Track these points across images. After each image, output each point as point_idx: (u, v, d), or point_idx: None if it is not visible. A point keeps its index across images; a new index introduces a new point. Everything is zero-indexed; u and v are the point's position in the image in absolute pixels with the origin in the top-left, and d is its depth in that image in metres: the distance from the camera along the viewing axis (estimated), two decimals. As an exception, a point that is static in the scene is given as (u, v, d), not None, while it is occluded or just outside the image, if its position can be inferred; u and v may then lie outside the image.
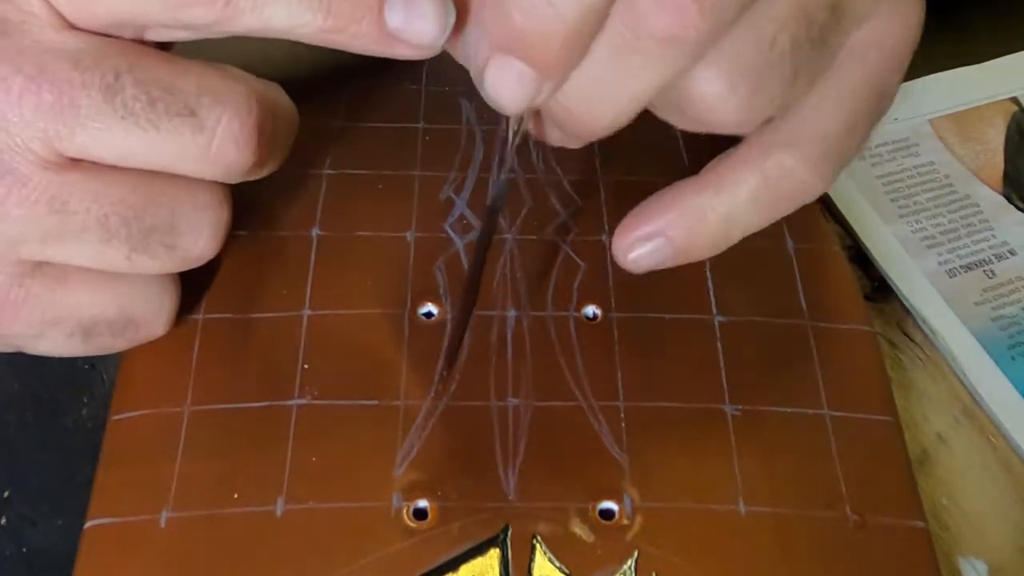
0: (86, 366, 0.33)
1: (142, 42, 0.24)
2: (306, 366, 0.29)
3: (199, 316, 0.30)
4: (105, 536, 0.26)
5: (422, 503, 0.26)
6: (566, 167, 0.35)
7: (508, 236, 0.32)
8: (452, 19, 0.22)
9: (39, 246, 0.24)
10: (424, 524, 0.26)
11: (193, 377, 0.28)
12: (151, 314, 0.27)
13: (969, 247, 0.39)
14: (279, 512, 0.26)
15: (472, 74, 0.23)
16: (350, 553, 0.26)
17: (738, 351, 0.30)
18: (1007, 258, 0.39)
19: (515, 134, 0.24)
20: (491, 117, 0.36)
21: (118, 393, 0.29)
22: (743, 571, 0.26)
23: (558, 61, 0.21)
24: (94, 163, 0.24)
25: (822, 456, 0.28)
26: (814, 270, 0.33)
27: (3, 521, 0.29)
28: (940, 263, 0.39)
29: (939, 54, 0.47)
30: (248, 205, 0.33)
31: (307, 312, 0.30)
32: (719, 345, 0.30)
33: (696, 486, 0.27)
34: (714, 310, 0.31)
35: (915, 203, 0.41)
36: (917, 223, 0.40)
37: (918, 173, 0.42)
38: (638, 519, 0.27)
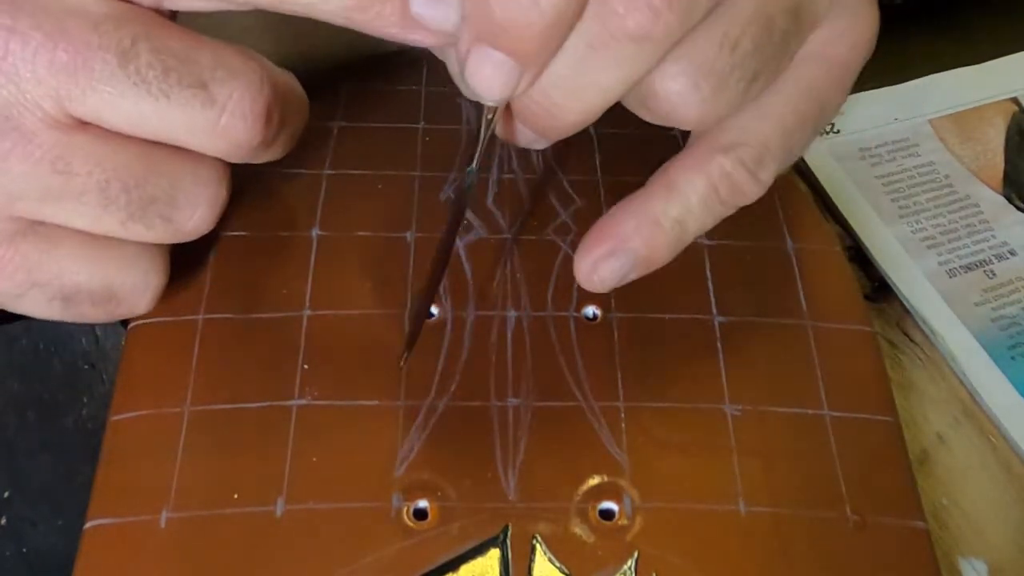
0: (86, 366, 0.33)
1: (160, 13, 0.24)
2: (306, 366, 0.29)
3: (199, 316, 0.30)
4: (105, 536, 0.26)
5: (422, 503, 0.26)
6: (566, 167, 0.35)
7: (508, 236, 0.32)
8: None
9: (37, 204, 0.24)
10: (424, 524, 0.26)
11: (193, 377, 0.28)
12: (135, 290, 0.27)
13: (969, 247, 0.39)
14: (279, 512, 0.26)
15: (451, 67, 0.23)
16: (350, 553, 0.26)
17: (738, 351, 0.30)
18: (1007, 258, 0.39)
19: (487, 129, 0.24)
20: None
21: (118, 393, 0.29)
22: (743, 571, 0.26)
23: (537, 51, 0.22)
24: (101, 128, 0.24)
25: (822, 456, 0.28)
26: (814, 270, 0.33)
27: (3, 521, 0.29)
28: (940, 263, 0.39)
29: (939, 54, 0.47)
30: (248, 205, 0.33)
31: (307, 312, 0.30)
32: (719, 345, 0.30)
33: (696, 486, 0.27)
34: (714, 310, 0.31)
35: (915, 203, 0.41)
36: (917, 223, 0.40)
37: (918, 173, 0.42)
38: (638, 519, 0.27)
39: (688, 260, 0.32)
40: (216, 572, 0.25)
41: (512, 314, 0.30)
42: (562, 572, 0.26)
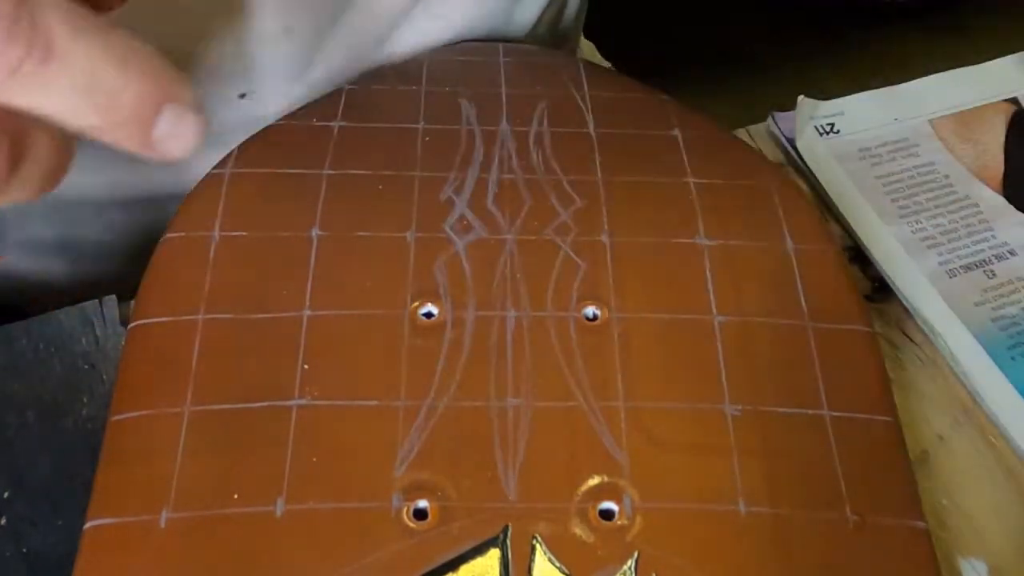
0: (86, 366, 0.33)
1: None
2: (306, 366, 0.29)
3: (199, 316, 0.30)
4: (105, 536, 0.26)
5: (422, 503, 0.26)
6: (566, 167, 0.35)
7: (508, 236, 0.32)
8: (202, 136, 0.22)
9: None
10: (424, 524, 0.26)
11: (193, 377, 0.28)
12: None
13: (969, 247, 0.39)
14: (279, 512, 0.26)
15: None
16: (350, 553, 0.26)
17: (738, 351, 0.30)
18: (1007, 258, 0.39)
19: None
20: (491, 118, 0.36)
21: (118, 393, 0.29)
22: (743, 571, 0.26)
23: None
24: None
25: (822, 456, 0.28)
26: (814, 270, 0.33)
27: (3, 521, 0.29)
28: (940, 263, 0.39)
29: (939, 54, 0.47)
30: (248, 205, 0.33)
31: (307, 312, 0.30)
32: (719, 345, 0.30)
33: (696, 486, 0.27)
34: (714, 310, 0.31)
35: (915, 203, 0.41)
36: (917, 223, 0.40)
37: (918, 173, 0.42)
38: (638, 519, 0.27)
39: (688, 260, 0.32)
40: (216, 572, 0.25)
41: (512, 314, 0.30)
42: (562, 572, 0.26)
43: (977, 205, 0.41)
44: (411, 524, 0.26)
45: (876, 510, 0.27)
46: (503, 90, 0.38)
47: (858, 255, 0.39)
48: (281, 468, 0.27)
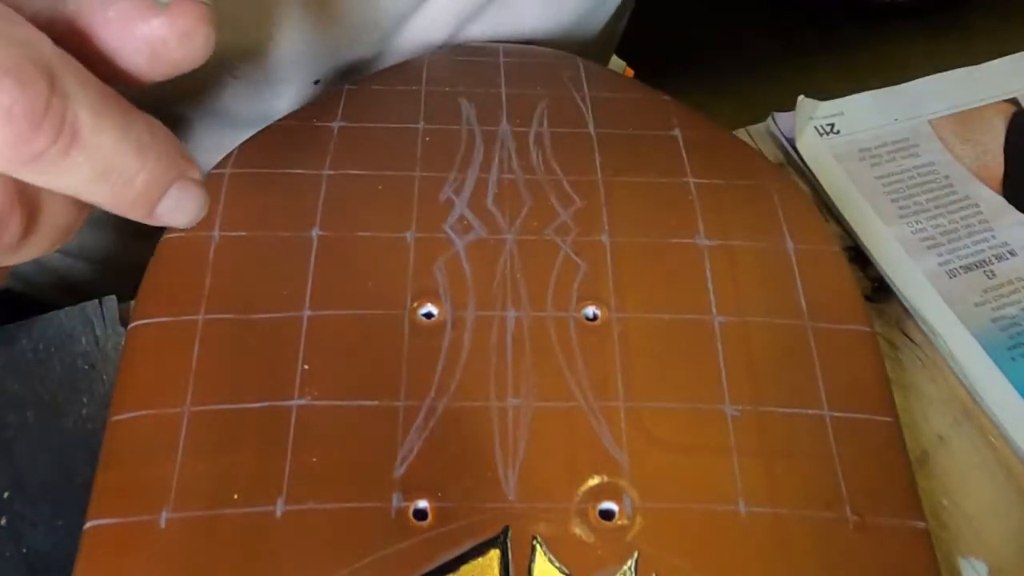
0: (86, 366, 0.33)
1: None
2: (306, 366, 0.29)
3: (199, 316, 0.30)
4: (105, 536, 0.26)
5: (422, 503, 0.26)
6: (566, 167, 0.35)
7: (508, 236, 0.32)
8: (205, 209, 0.23)
9: None
10: (424, 524, 0.26)
11: (193, 377, 0.28)
12: None
13: (969, 248, 0.39)
14: (279, 512, 0.26)
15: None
16: (350, 553, 0.26)
17: (738, 351, 0.30)
18: (1007, 259, 0.39)
19: None
20: (491, 118, 0.36)
21: (118, 393, 0.29)
22: (743, 571, 0.26)
23: None
24: None
25: (822, 456, 0.28)
26: (814, 270, 0.33)
27: (3, 521, 0.29)
28: (940, 264, 0.39)
29: (939, 54, 0.47)
30: (248, 205, 0.33)
31: (307, 312, 0.30)
32: (719, 345, 0.30)
33: (696, 486, 0.27)
34: (714, 310, 0.31)
35: (915, 204, 0.41)
36: (917, 224, 0.40)
37: (918, 174, 0.42)
38: (638, 519, 0.27)
39: (688, 260, 0.32)
40: (216, 572, 0.25)
41: (512, 314, 0.30)
42: (562, 572, 0.26)
43: (977, 205, 0.41)
44: (411, 524, 0.26)
45: (876, 510, 0.27)
46: (503, 90, 0.38)
47: (858, 255, 0.39)
48: (281, 468, 0.27)
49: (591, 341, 0.30)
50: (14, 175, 0.21)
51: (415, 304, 0.30)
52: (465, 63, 0.40)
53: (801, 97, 0.43)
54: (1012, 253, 0.39)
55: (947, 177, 0.42)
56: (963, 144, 0.43)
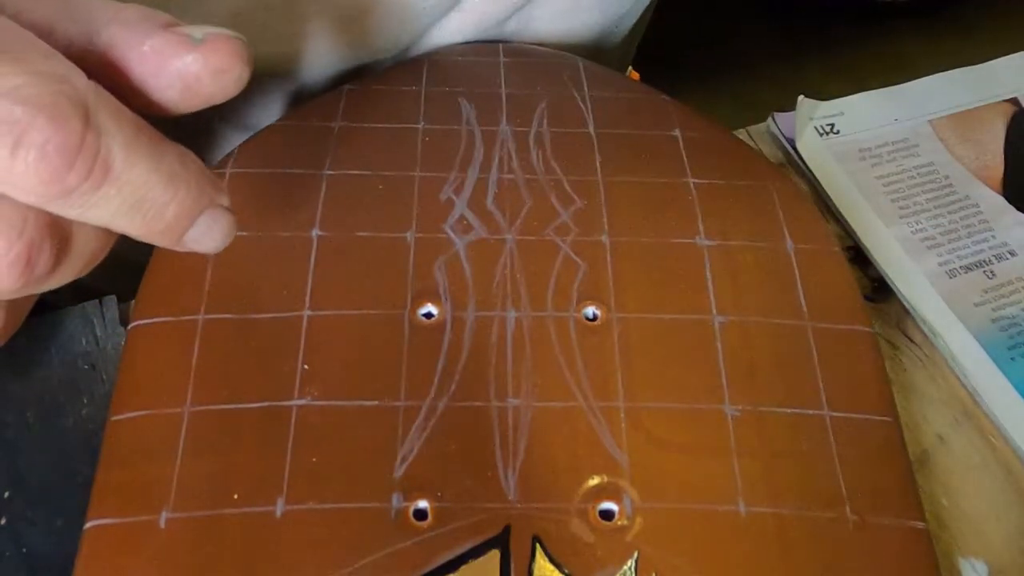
0: (86, 366, 0.33)
1: None
2: (306, 366, 0.29)
3: (199, 316, 0.30)
4: (105, 536, 0.26)
5: (422, 504, 0.26)
6: (566, 167, 0.35)
7: (508, 236, 0.32)
8: (232, 236, 0.24)
9: None
10: (424, 525, 0.26)
11: (193, 377, 0.28)
12: None
13: (969, 248, 0.39)
14: (279, 512, 0.26)
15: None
16: (350, 553, 0.26)
17: (738, 351, 0.30)
18: (1007, 259, 0.39)
19: None
20: (491, 118, 0.36)
21: (118, 393, 0.29)
22: (743, 571, 0.26)
23: None
24: None
25: (822, 456, 0.28)
26: (814, 270, 0.33)
27: (3, 521, 0.29)
28: (940, 264, 0.39)
29: (939, 54, 0.47)
30: (248, 205, 0.33)
31: (307, 312, 0.30)
32: (719, 345, 0.30)
33: (696, 486, 0.27)
34: (714, 310, 0.31)
35: (915, 204, 0.41)
36: (917, 224, 0.40)
37: (918, 174, 0.42)
38: (638, 519, 0.27)
39: (688, 260, 0.32)
40: (216, 572, 0.25)
41: (512, 314, 0.31)
42: (562, 572, 0.26)
43: (977, 205, 0.41)
44: (411, 524, 0.26)
45: (876, 510, 0.28)
46: (503, 90, 0.38)
47: (858, 255, 0.39)
48: (281, 468, 0.27)
49: (591, 341, 0.30)
50: (46, 208, 0.21)
51: (415, 304, 0.30)
52: (465, 63, 0.40)
53: (801, 97, 0.43)
54: (1012, 253, 0.39)
55: (947, 177, 0.42)
56: (963, 144, 0.43)
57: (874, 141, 0.43)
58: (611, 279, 0.32)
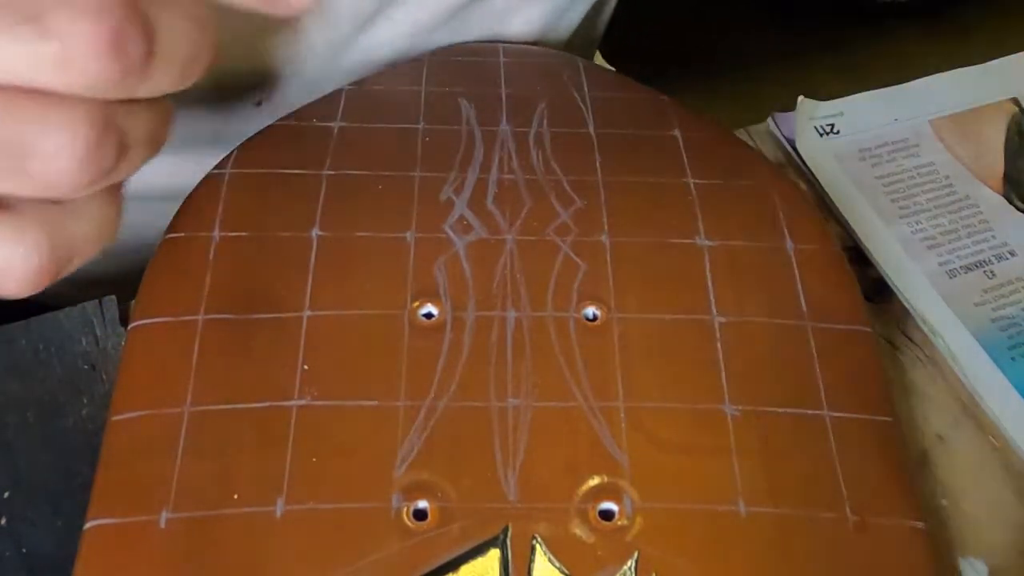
0: (86, 366, 0.33)
1: None
2: (306, 366, 0.29)
3: (199, 316, 0.30)
4: (105, 536, 0.26)
5: (422, 504, 0.26)
6: (566, 167, 0.35)
7: (508, 236, 0.32)
8: None
9: None
10: (424, 525, 0.26)
11: (193, 377, 0.28)
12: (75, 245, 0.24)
13: (969, 248, 0.39)
14: (279, 512, 0.26)
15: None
16: (350, 553, 0.26)
17: (738, 351, 0.30)
18: (1007, 259, 0.39)
19: None
20: (491, 118, 0.36)
21: (118, 393, 0.29)
22: (743, 571, 0.26)
23: None
24: None
25: (822, 456, 0.28)
26: (814, 270, 0.33)
27: (3, 521, 0.29)
28: (940, 264, 0.39)
29: (939, 54, 0.47)
30: (248, 205, 0.33)
31: (307, 312, 0.30)
32: (719, 345, 0.30)
33: (696, 486, 0.27)
34: (714, 310, 0.31)
35: (915, 204, 0.41)
36: (917, 224, 0.40)
37: (918, 174, 0.42)
38: (638, 519, 0.27)
39: (688, 260, 0.32)
40: (216, 572, 0.25)
41: (512, 314, 0.31)
42: (562, 572, 0.26)
43: (977, 205, 0.41)
44: (411, 524, 0.26)
45: (876, 510, 0.27)
46: (503, 90, 0.38)
47: (858, 255, 0.39)
48: (281, 468, 0.27)
49: (591, 341, 0.30)
50: None
51: (415, 304, 0.30)
52: (465, 63, 0.40)
53: (801, 97, 0.43)
54: (1012, 253, 0.39)
55: (947, 177, 0.42)
56: (963, 144, 0.43)
57: (874, 141, 0.43)
58: (611, 279, 0.32)
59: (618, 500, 0.27)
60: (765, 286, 0.32)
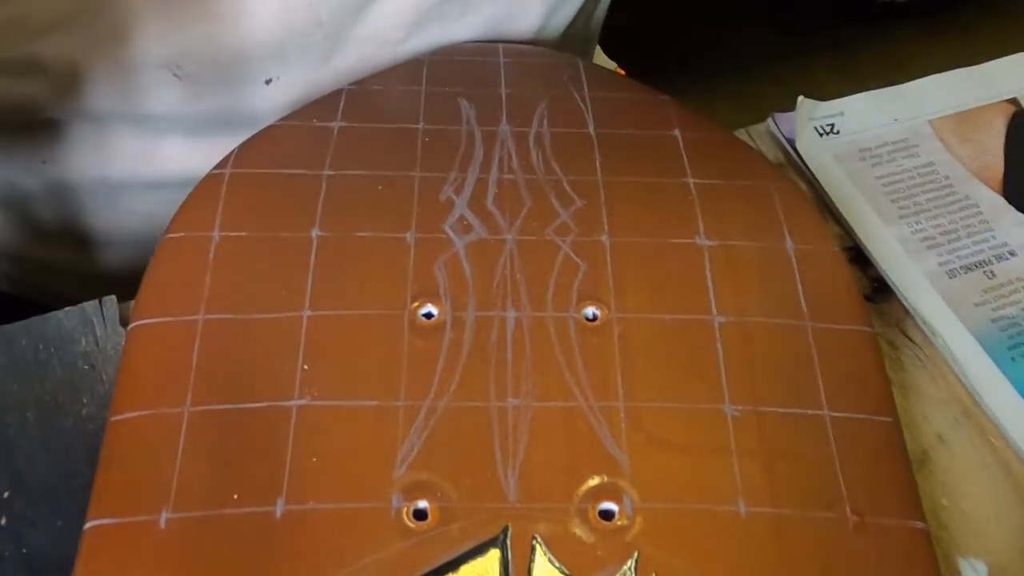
0: (86, 367, 0.33)
1: None
2: (306, 366, 0.29)
3: (199, 316, 0.30)
4: (105, 536, 0.26)
5: (422, 504, 0.26)
6: (566, 167, 0.35)
7: (508, 236, 0.32)
8: None
9: None
10: (424, 525, 0.26)
11: (193, 377, 0.28)
12: None
13: (969, 248, 0.39)
14: (279, 512, 0.26)
15: None
16: (350, 553, 0.26)
17: (738, 351, 0.30)
18: (1007, 259, 0.39)
19: None
20: (491, 118, 0.36)
21: (118, 393, 0.29)
22: (743, 571, 0.26)
23: None
24: None
25: (822, 456, 0.28)
26: (814, 270, 0.33)
27: (3, 522, 0.29)
28: (940, 264, 0.39)
29: (939, 54, 0.47)
30: (248, 205, 0.33)
31: (307, 312, 0.30)
32: (719, 345, 0.30)
33: (696, 486, 0.27)
34: (714, 310, 0.31)
35: (915, 204, 0.41)
36: (917, 224, 0.40)
37: (918, 174, 0.42)
38: (638, 519, 0.27)
39: (688, 260, 0.32)
40: (216, 572, 0.25)
41: (512, 314, 0.31)
42: (562, 572, 0.26)
43: (977, 205, 0.41)
44: (411, 524, 0.26)
45: (876, 510, 0.27)
46: (503, 90, 0.38)
47: (858, 255, 0.39)
48: (281, 468, 0.27)
49: (591, 341, 0.30)
50: None
51: (415, 304, 0.30)
52: (465, 63, 0.40)
53: (801, 97, 0.43)
54: (1012, 253, 0.39)
55: (947, 177, 0.42)
56: (963, 144, 0.43)
57: (874, 141, 0.43)
58: (611, 279, 0.32)
59: (618, 500, 0.27)
60: (765, 286, 0.32)
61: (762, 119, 0.44)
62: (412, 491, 0.27)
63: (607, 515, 0.27)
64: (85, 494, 0.27)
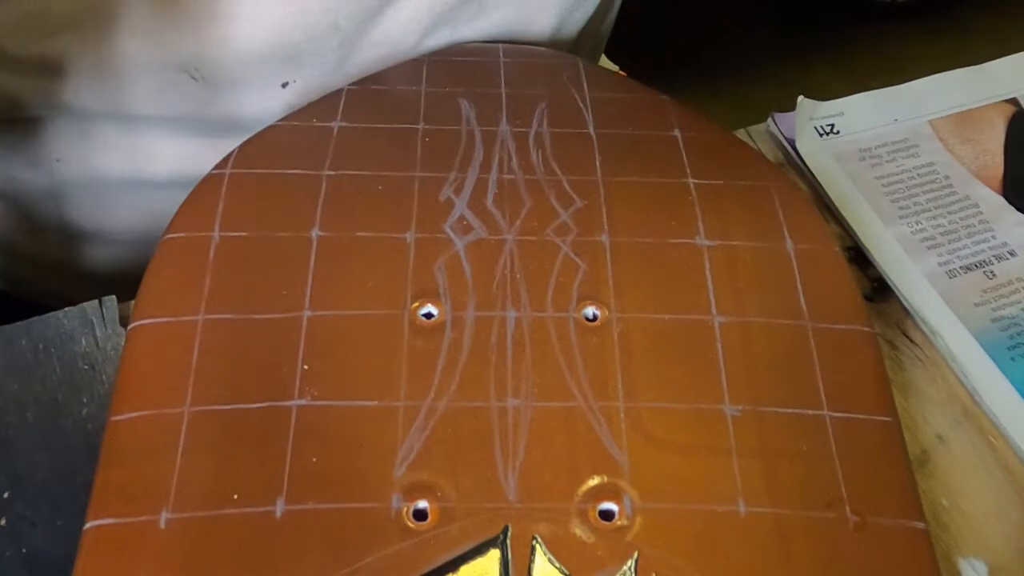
0: (86, 367, 0.33)
1: None
2: (306, 366, 0.29)
3: (199, 316, 0.30)
4: (105, 537, 0.26)
5: (422, 504, 0.26)
6: (566, 167, 0.35)
7: (508, 236, 0.32)
8: None
9: None
10: (424, 525, 0.26)
11: (193, 377, 0.28)
12: None
13: (969, 248, 0.39)
14: (279, 512, 0.26)
15: None
16: (350, 553, 0.26)
17: (738, 351, 0.30)
18: (1007, 259, 0.39)
19: None
20: (491, 118, 0.36)
21: (118, 393, 0.29)
22: (743, 572, 0.26)
23: None
24: None
25: (822, 456, 0.28)
26: (814, 270, 0.33)
27: (3, 522, 0.29)
28: (940, 264, 0.39)
29: (939, 54, 0.47)
30: (248, 205, 0.33)
31: (307, 312, 0.30)
32: (719, 345, 0.30)
33: (696, 486, 0.27)
34: (714, 310, 0.31)
35: (915, 204, 0.41)
36: (917, 224, 0.40)
37: (918, 174, 0.42)
38: (638, 520, 0.27)
39: (688, 260, 0.32)
40: (216, 572, 0.25)
41: (512, 314, 0.30)
42: (562, 572, 0.26)
43: (977, 205, 0.41)
44: (411, 525, 0.26)
45: (876, 510, 0.27)
46: (503, 90, 0.38)
47: (858, 255, 0.39)
48: (281, 468, 0.27)
49: (591, 341, 0.30)
50: None
51: (415, 304, 0.30)
52: (465, 63, 0.40)
53: (801, 97, 0.43)
54: (1012, 253, 0.39)
55: (947, 177, 0.42)
56: (963, 144, 0.43)
57: (874, 141, 0.43)
58: (611, 279, 0.32)
59: (618, 500, 0.27)
60: (765, 286, 0.32)
61: (762, 119, 0.44)
62: (412, 491, 0.27)
63: (607, 515, 0.27)
64: (85, 494, 0.27)
